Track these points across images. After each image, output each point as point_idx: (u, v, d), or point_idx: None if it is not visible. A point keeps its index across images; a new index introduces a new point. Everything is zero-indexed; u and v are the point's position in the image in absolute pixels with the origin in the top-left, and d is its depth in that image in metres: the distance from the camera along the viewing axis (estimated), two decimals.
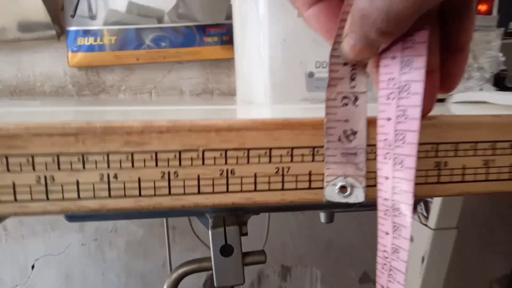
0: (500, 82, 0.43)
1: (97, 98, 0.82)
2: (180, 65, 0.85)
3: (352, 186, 0.23)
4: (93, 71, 0.84)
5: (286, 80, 0.41)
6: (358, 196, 0.23)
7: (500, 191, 0.25)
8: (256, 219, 0.77)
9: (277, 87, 0.41)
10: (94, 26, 0.78)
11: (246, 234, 0.38)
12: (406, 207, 0.21)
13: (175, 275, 0.39)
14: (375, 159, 0.23)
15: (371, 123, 0.23)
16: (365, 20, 0.19)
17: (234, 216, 0.38)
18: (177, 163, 0.22)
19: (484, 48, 0.42)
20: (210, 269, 0.38)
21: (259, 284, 0.95)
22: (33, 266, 0.87)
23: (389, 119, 0.21)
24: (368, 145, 0.23)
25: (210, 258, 0.38)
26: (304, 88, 0.42)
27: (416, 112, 0.20)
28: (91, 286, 0.91)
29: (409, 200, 0.21)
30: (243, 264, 0.38)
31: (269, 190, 0.23)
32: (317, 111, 0.27)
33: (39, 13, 0.75)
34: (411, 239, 0.68)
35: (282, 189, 0.23)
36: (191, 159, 0.22)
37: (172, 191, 0.22)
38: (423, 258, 0.62)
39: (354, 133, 0.23)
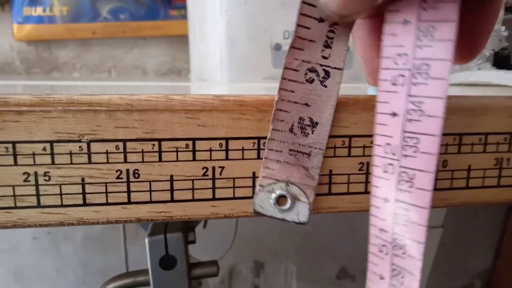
0: (501, 62, 0.36)
1: (48, 77, 0.73)
2: (144, 41, 0.76)
3: (295, 199, 0.16)
4: (44, 46, 0.75)
5: (247, 53, 0.34)
6: (300, 213, 0.16)
7: None
8: None
9: (235, 62, 0.34)
10: None
11: (193, 242, 0.31)
12: (415, 247, 0.14)
13: None
14: (334, 156, 0.16)
15: (343, 106, 0.16)
16: None
17: (179, 221, 0.31)
18: (49, 160, 0.14)
19: None
20: (148, 284, 0.30)
21: (230, 280, 0.89)
22: None
23: (394, 114, 0.14)
24: (329, 148, 0.16)
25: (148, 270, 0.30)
26: (269, 63, 0.34)
27: (439, 107, 0.13)
28: (45, 284, 0.83)
29: (421, 236, 0.14)
30: (190, 278, 0.31)
31: (193, 200, 0.16)
32: None
33: None
34: None
35: (213, 198, 0.16)
36: (70, 153, 0.15)
37: (42, 201, 0.15)
38: None
39: (314, 124, 0.15)
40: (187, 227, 0.31)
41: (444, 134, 0.17)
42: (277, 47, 0.34)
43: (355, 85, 0.32)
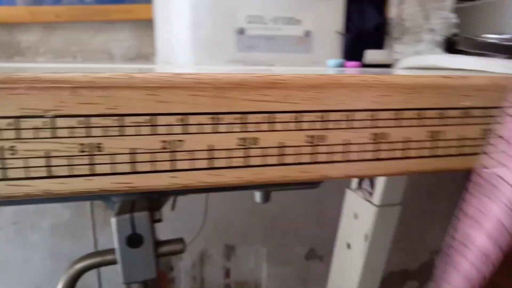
0: (451, 47, 0.39)
1: (10, 61, 0.71)
2: (110, 25, 0.75)
3: None
4: (4, 29, 0.72)
5: (211, 37, 0.35)
6: None
7: (448, 169, 0.21)
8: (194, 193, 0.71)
9: (200, 45, 0.35)
10: None
11: (159, 221, 0.32)
12: None
13: (72, 271, 0.32)
14: (283, 130, 0.18)
15: None
16: None
17: (145, 200, 0.32)
18: (14, 134, 0.15)
19: (436, 7, 0.37)
20: (116, 262, 0.31)
21: (202, 264, 0.91)
22: None
23: None
24: (279, 122, 0.18)
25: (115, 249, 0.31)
26: (234, 47, 0.35)
27: None
28: (13, 273, 0.82)
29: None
30: (157, 255, 0.32)
31: (153, 171, 0.17)
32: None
33: None
34: (355, 216, 0.65)
35: (172, 170, 0.17)
36: (35, 129, 0.15)
37: (9, 174, 0.16)
38: (366, 236, 0.60)
39: None
40: (153, 206, 0.32)
41: (383, 110, 0.19)
42: (241, 31, 0.35)
43: (314, 68, 0.34)
